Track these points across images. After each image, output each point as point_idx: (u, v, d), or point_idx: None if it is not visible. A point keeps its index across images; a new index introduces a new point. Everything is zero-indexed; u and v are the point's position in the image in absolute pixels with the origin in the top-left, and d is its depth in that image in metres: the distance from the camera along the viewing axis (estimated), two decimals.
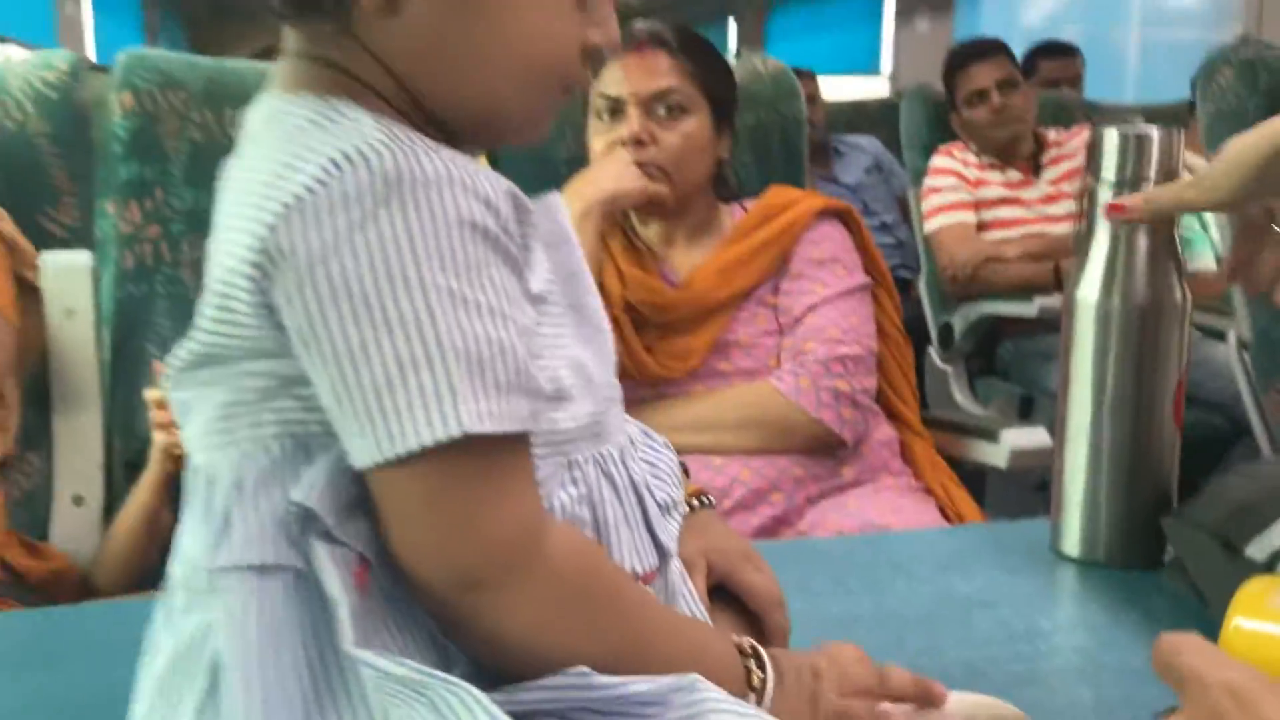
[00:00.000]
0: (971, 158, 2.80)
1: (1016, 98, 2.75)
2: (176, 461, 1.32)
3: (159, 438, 1.33)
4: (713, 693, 0.49)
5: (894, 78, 5.24)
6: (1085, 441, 0.89)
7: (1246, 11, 3.33)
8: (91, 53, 4.90)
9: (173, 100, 1.57)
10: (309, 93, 0.50)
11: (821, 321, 1.44)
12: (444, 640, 0.49)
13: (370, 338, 0.45)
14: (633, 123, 1.47)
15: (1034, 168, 2.80)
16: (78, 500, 1.45)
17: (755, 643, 0.56)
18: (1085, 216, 0.89)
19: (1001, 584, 0.86)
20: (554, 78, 0.54)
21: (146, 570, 1.39)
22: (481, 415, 0.45)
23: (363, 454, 0.46)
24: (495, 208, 0.48)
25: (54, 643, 0.82)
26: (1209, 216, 2.41)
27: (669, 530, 0.60)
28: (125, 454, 1.46)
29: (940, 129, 2.92)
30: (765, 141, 1.82)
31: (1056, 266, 2.49)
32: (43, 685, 0.73)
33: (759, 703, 0.53)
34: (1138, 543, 0.88)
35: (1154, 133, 0.85)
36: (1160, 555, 0.87)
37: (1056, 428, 0.92)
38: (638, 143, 1.47)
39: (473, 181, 0.47)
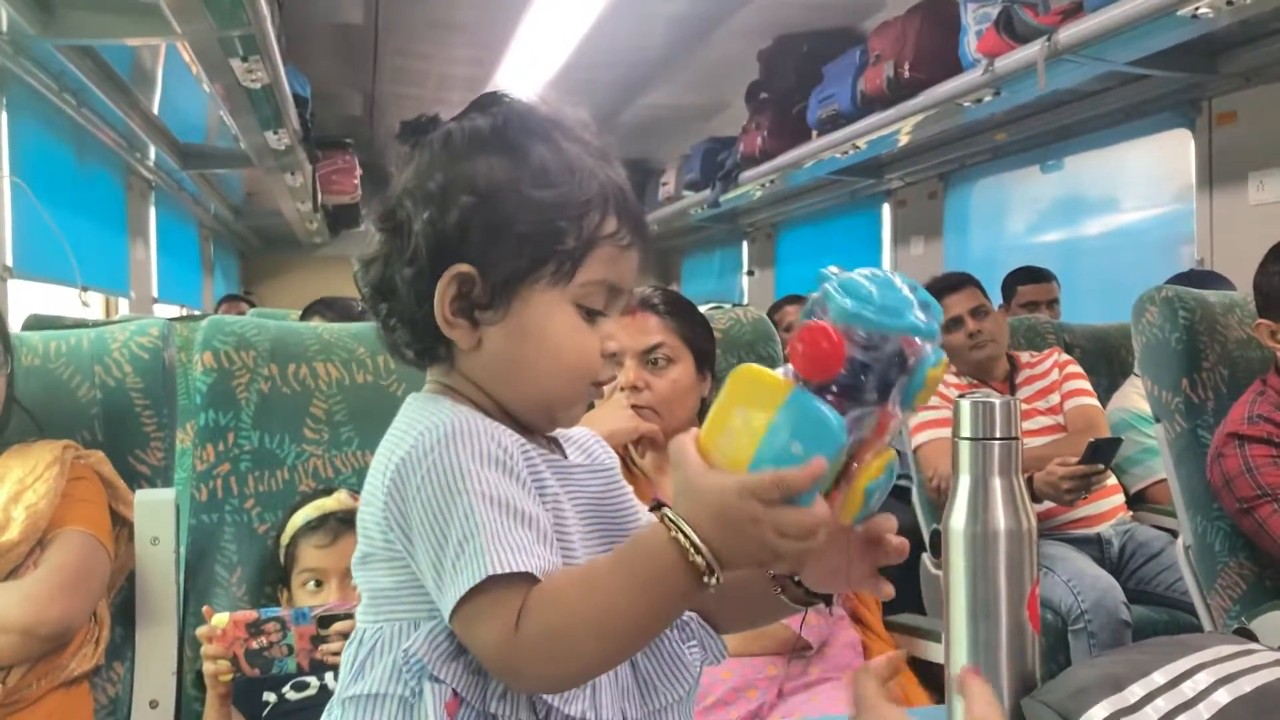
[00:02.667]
0: (951, 378, 3.07)
1: (988, 322, 3.04)
2: (225, 685, 1.54)
3: (209, 668, 1.52)
4: None
5: None
6: (964, 641, 1.12)
7: (1199, 234, 3.65)
8: (155, 289, 5.36)
9: (244, 358, 1.86)
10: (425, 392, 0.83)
11: None
12: None
13: (446, 531, 0.73)
14: (629, 373, 1.76)
15: (1009, 387, 3.07)
16: (154, 704, 1.67)
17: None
18: (953, 463, 1.15)
19: None
20: (582, 375, 0.84)
21: None
22: (497, 564, 0.71)
23: (445, 603, 0.73)
24: (507, 450, 0.76)
25: None
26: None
27: None
28: (195, 663, 1.66)
29: None
30: None
31: (1029, 478, 2.72)
32: None
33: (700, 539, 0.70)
34: None
35: (997, 402, 1.12)
36: None
37: (943, 630, 1.15)
38: (634, 388, 1.75)
39: (497, 435, 0.76)
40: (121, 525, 1.72)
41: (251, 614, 1.51)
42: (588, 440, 0.90)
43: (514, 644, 0.71)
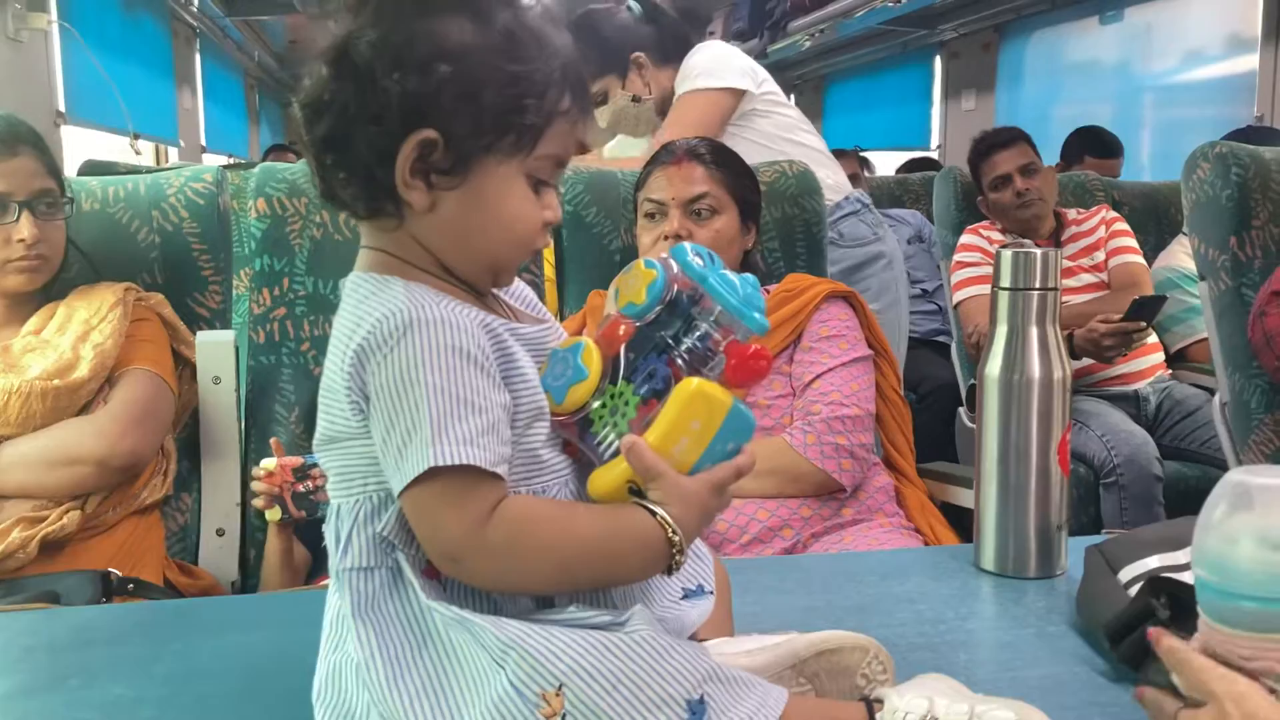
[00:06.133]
0: (997, 235, 3.05)
1: (1036, 181, 3.01)
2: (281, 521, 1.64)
3: (256, 502, 1.64)
4: None
5: (941, 150, 5.51)
6: (995, 483, 1.17)
7: (1261, 90, 3.55)
8: (203, 137, 5.38)
9: (296, 205, 1.90)
10: (372, 272, 0.82)
11: (826, 387, 1.72)
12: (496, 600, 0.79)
13: (396, 419, 0.75)
14: (673, 222, 1.78)
15: (1055, 244, 3.04)
16: (220, 532, 1.77)
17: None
18: (991, 314, 1.17)
19: (927, 588, 1.13)
20: (527, 243, 0.85)
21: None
22: (441, 456, 0.74)
23: (395, 486, 0.76)
24: (473, 337, 0.78)
25: (247, 615, 1.14)
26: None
27: None
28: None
29: (968, 208, 3.19)
30: (790, 231, 2.12)
31: (1070, 334, 2.73)
32: (240, 642, 1.04)
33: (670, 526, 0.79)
34: (1031, 558, 1.15)
35: (1038, 252, 1.14)
36: (1050, 568, 1.14)
37: (975, 473, 1.19)
38: (677, 238, 1.77)
39: (457, 321, 0.77)
40: (183, 365, 1.79)
41: (298, 460, 1.61)
42: (519, 290, 0.92)
43: (474, 541, 0.75)
